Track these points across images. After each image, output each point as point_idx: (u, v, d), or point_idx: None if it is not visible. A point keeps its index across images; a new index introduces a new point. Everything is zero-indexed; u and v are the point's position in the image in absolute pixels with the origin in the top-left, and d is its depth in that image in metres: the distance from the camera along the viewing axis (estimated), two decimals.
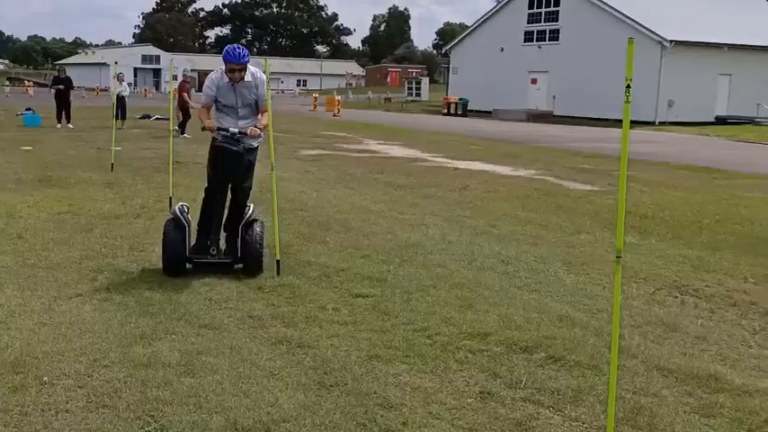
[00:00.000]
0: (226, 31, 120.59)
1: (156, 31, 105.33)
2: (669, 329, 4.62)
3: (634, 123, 31.87)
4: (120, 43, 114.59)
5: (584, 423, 3.30)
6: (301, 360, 3.92)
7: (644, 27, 33.37)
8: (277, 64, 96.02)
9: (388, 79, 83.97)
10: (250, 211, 5.52)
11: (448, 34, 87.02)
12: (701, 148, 20.92)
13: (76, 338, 4.14)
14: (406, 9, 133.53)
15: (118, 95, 18.73)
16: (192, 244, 5.43)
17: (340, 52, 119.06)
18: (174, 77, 21.00)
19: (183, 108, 19.09)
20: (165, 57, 79.70)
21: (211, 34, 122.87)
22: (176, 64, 77.53)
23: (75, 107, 22.50)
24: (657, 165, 15.56)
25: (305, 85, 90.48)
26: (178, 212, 5.37)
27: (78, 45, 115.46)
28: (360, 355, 4.00)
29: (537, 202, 9.51)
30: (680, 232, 7.74)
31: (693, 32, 33.20)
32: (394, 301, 4.99)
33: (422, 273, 5.76)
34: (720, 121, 33.19)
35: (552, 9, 38.70)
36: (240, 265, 5.45)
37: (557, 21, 38.37)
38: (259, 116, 5.51)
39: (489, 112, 37.46)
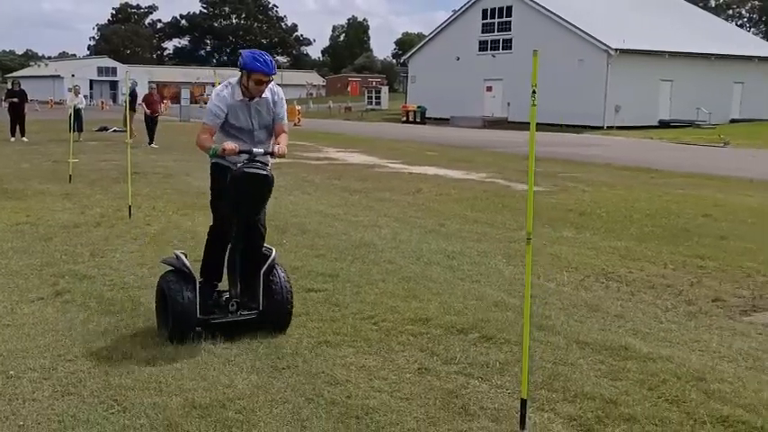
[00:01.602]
0: (184, 42, 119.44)
1: (111, 42, 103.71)
2: (592, 310, 5.12)
3: (584, 128, 33.15)
4: (74, 55, 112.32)
5: (507, 389, 3.73)
6: (256, 348, 4.26)
7: (591, 36, 34.68)
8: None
9: (349, 89, 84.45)
10: (273, 254, 4.54)
11: (406, 44, 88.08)
12: (643, 151, 21.93)
13: (40, 337, 4.39)
14: (365, 19, 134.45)
15: (74, 108, 18.73)
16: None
17: (300, 63, 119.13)
18: (133, 91, 21.13)
19: (152, 118, 19.40)
20: (122, 69, 78.76)
21: (169, 46, 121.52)
22: (134, 76, 76.44)
23: (29, 120, 22.29)
24: (602, 166, 16.35)
25: None
26: (180, 262, 4.37)
27: (30, 57, 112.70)
28: (310, 342, 4.36)
29: (485, 203, 10.02)
30: (612, 226, 8.33)
31: (637, 41, 34.61)
32: (344, 294, 5.37)
33: (372, 269, 6.16)
34: (663, 124, 34.67)
35: (505, 19, 39.83)
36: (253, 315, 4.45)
37: (509, 30, 39.49)
38: (278, 139, 4.42)
39: (447, 120, 38.26)
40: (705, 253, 6.97)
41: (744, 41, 42.55)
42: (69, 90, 19.00)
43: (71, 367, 3.92)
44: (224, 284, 4.54)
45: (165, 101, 21.71)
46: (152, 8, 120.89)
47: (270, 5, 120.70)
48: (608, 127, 33.76)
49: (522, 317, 4.88)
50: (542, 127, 33.76)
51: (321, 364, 4.01)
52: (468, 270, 6.21)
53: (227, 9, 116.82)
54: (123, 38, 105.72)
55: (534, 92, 3.27)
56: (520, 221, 8.61)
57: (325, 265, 6.26)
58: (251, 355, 4.15)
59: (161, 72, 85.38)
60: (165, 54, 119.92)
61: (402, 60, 52.10)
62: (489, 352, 4.23)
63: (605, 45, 34.12)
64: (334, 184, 11.93)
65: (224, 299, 4.41)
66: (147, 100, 20.09)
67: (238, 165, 4.19)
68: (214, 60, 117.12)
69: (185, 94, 37.89)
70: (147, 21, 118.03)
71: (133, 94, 20.41)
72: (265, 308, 4.41)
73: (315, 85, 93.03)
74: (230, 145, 4.19)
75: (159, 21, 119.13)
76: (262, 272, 4.42)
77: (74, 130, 17.20)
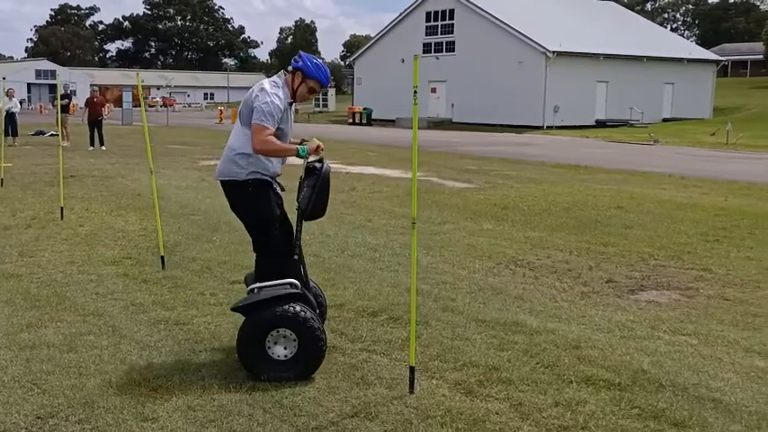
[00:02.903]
0: (128, 44, 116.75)
1: (50, 44, 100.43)
2: (496, 293, 5.58)
3: (524, 128, 34.20)
4: (11, 57, 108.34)
5: (404, 362, 4.10)
6: (176, 335, 4.53)
7: (530, 39, 35.80)
8: (183, 77, 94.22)
9: None
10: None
11: (354, 46, 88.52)
12: (577, 149, 22.89)
13: None
14: (312, 22, 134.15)
15: (7, 111, 18.36)
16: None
17: (248, 65, 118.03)
18: (68, 95, 20.85)
19: (95, 121, 19.25)
20: (63, 72, 76.57)
21: (112, 48, 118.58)
22: (74, 79, 74.29)
23: None
24: (534, 164, 17.06)
25: (212, 98, 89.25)
26: (295, 287, 3.92)
27: None
28: (229, 327, 4.66)
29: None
30: (531, 219, 8.88)
31: (574, 44, 35.94)
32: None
33: None
34: (600, 124, 36.10)
35: (448, 22, 40.67)
36: None
37: (452, 33, 40.34)
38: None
39: (393, 121, 38.79)
40: (609, 240, 7.56)
41: (674, 44, 44.64)
42: (3, 93, 18.60)
43: None
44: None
45: (107, 104, 21.48)
46: (93, 9, 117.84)
47: (216, 7, 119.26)
48: (547, 127, 34.93)
49: (431, 300, 5.33)
50: (484, 127, 34.76)
51: None
52: (389, 261, 6.60)
53: (171, 11, 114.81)
54: (63, 40, 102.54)
55: (416, 92, 3.65)
56: (444, 216, 9.08)
57: (251, 259, 6.52)
58: (171, 341, 4.42)
59: (103, 75, 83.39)
60: (107, 56, 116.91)
61: (348, 62, 52.46)
62: (394, 331, 4.62)
63: (543, 47, 35.28)
64: None
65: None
66: (90, 103, 19.93)
67: (312, 162, 3.99)
68: (159, 63, 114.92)
69: (128, 97, 37.16)
70: (88, 22, 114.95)
71: (68, 97, 20.16)
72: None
73: None
74: (319, 143, 4.00)
75: (101, 22, 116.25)
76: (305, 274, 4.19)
77: (8, 135, 16.89)
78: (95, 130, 19.38)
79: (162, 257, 6.13)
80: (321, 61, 4.08)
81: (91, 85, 34.59)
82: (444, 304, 5.18)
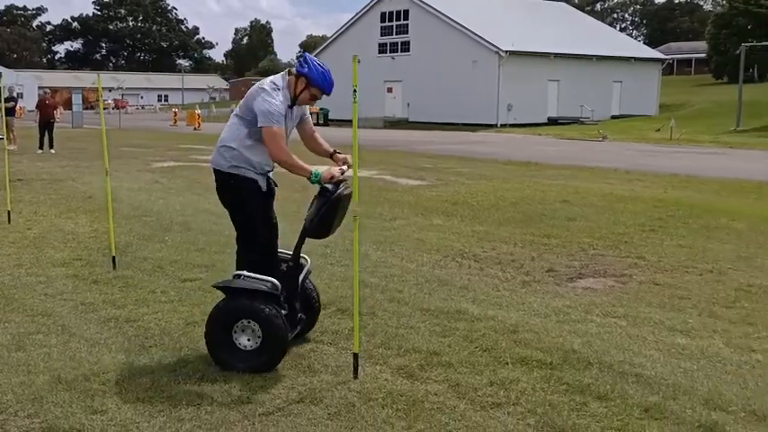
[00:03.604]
0: (77, 45, 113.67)
1: None
2: (442, 284, 5.79)
3: (479, 126, 34.78)
4: None
5: (350, 350, 4.27)
6: (126, 331, 4.59)
7: (483, 39, 36.42)
8: (136, 79, 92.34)
9: None
10: (309, 263, 4.36)
11: (311, 46, 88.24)
12: (529, 146, 23.46)
13: None
14: (268, 22, 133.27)
15: None
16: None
17: (203, 66, 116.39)
18: (14, 97, 20.31)
19: (48, 124, 18.84)
20: (9, 74, 74.07)
21: (61, 49, 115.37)
22: (21, 81, 71.66)
23: None
24: (488, 162, 17.45)
25: (166, 100, 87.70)
26: (271, 285, 3.95)
27: None
28: (179, 323, 4.75)
29: (368, 197, 10.61)
30: (479, 214, 9.16)
31: (525, 44, 36.72)
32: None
33: None
34: (552, 121, 36.98)
35: (402, 22, 41.02)
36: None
37: (407, 33, 40.70)
38: (322, 141, 4.29)
39: (350, 121, 38.86)
40: (552, 232, 7.88)
41: (622, 44, 46.02)
42: None
43: None
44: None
45: (57, 107, 21.04)
46: (40, 10, 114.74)
47: (169, 8, 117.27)
48: (501, 125, 35.60)
49: (378, 292, 5.51)
50: (440, 126, 35.22)
51: (187, 341, 4.41)
52: (339, 256, 6.75)
53: (122, 11, 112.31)
54: (9, 41, 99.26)
55: (355, 91, 3.81)
56: (396, 212, 9.28)
57: (204, 257, 6.61)
58: (121, 338, 4.48)
59: (52, 77, 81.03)
60: (56, 58, 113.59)
61: None
62: (341, 322, 4.78)
63: (496, 47, 35.93)
64: None
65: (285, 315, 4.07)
66: (41, 105, 19.50)
67: (330, 187, 3.93)
68: (110, 64, 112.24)
69: (77, 99, 36.27)
70: (36, 23, 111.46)
71: (14, 100, 19.68)
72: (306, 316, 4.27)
73: (216, 89, 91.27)
74: (336, 171, 3.93)
75: (49, 23, 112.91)
76: (299, 281, 4.20)
77: None
78: (46, 132, 18.96)
79: (113, 258, 6.15)
80: (327, 67, 3.98)
81: (39, 88, 33.64)
82: (391, 296, 5.36)
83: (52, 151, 18.52)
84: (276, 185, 4.21)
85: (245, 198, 4.03)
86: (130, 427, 3.29)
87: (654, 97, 42.81)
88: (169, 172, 14.38)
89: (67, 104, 36.44)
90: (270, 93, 3.87)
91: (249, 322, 3.88)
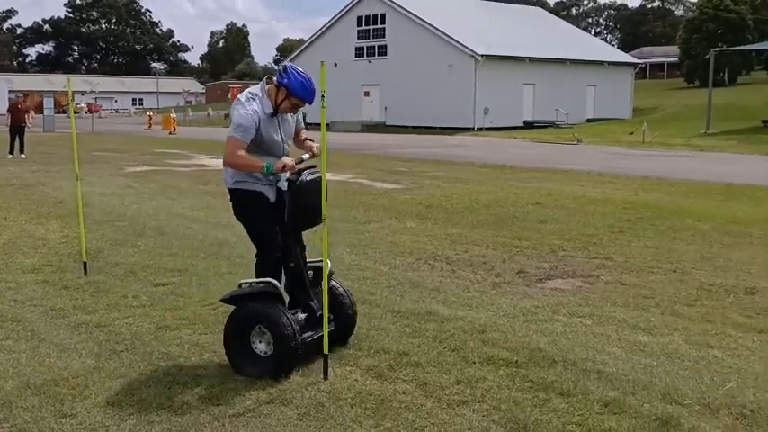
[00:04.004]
0: (49, 48, 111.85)
1: None
2: (413, 286, 5.86)
3: (456, 130, 35.01)
4: None
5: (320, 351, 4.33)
6: (97, 336, 4.59)
7: (459, 43, 36.69)
8: (109, 82, 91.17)
9: (230, 95, 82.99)
10: (330, 265, 4.22)
11: (287, 50, 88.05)
12: (505, 150, 23.71)
13: None
14: (244, 25, 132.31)
15: None
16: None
17: (179, 69, 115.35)
18: None
19: (19, 129, 18.58)
20: None
21: (32, 52, 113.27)
22: None
23: None
24: (463, 165, 17.61)
25: (141, 103, 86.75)
26: (272, 287, 3.99)
27: None
28: (150, 327, 4.75)
29: (343, 201, 10.69)
30: (453, 216, 9.27)
31: (501, 48, 37.09)
32: (190, 285, 5.78)
33: (222, 263, 6.60)
34: (528, 125, 37.37)
35: (379, 26, 41.12)
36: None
37: (384, 37, 40.84)
38: (304, 139, 4.31)
39: (328, 125, 38.86)
40: (523, 235, 8.02)
41: (596, 48, 46.68)
42: None
43: None
44: None
45: (30, 111, 20.76)
46: (11, 12, 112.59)
47: (143, 10, 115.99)
48: (478, 128, 35.86)
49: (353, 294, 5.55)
50: (418, 130, 35.37)
51: (158, 345, 4.42)
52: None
53: (95, 14, 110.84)
54: None
55: (323, 97, 3.87)
56: (370, 215, 9.35)
57: (177, 262, 6.61)
58: (91, 342, 4.48)
59: (23, 80, 79.66)
60: (27, 61, 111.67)
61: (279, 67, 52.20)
62: None
63: (472, 51, 36.21)
64: (200, 189, 12.15)
65: (303, 318, 4.13)
66: (13, 109, 19.24)
67: (291, 176, 3.94)
68: (83, 67, 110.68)
69: (49, 103, 35.76)
70: (6, 26, 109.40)
71: None
72: (334, 318, 4.20)
73: (192, 93, 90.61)
74: (289, 161, 3.94)
75: (19, 26, 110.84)
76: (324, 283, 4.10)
77: None
78: (17, 137, 18.70)
79: (84, 263, 6.12)
80: (307, 76, 4.03)
81: (10, 91, 33.14)
82: (363, 298, 5.41)
83: (23, 156, 18.28)
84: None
85: (252, 211, 4.10)
86: (99, 430, 3.31)
87: (627, 101, 43.48)
88: (142, 176, 14.28)
89: (39, 108, 35.89)
90: (243, 104, 3.96)
91: (260, 327, 3.92)
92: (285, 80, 3.98)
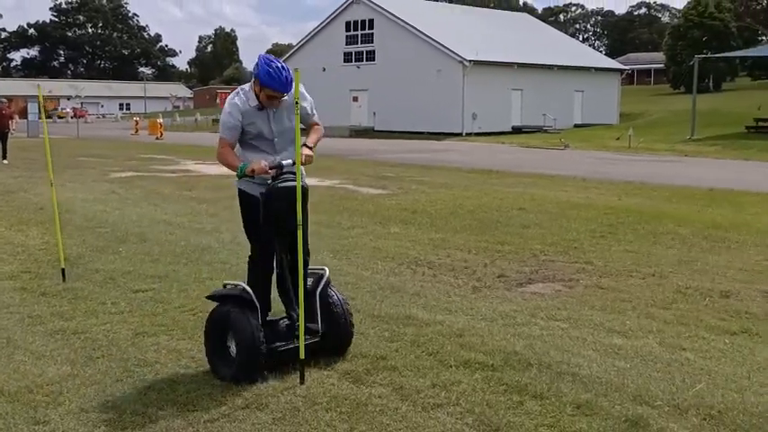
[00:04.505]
0: (34, 52, 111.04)
1: None
2: (394, 291, 5.88)
3: (445, 135, 35.13)
4: None
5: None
6: (73, 343, 4.57)
7: (448, 48, 36.86)
8: (96, 87, 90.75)
9: (218, 101, 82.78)
10: (327, 273, 4.24)
11: (277, 54, 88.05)
12: (493, 155, 23.83)
13: None
14: (232, 30, 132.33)
15: None
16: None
17: (166, 74, 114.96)
18: None
19: (2, 134, 18.47)
20: None
21: (17, 56, 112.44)
22: None
23: None
24: (450, 170, 17.68)
25: (128, 108, 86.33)
26: (243, 291, 3.98)
27: None
28: (128, 334, 4.74)
29: (328, 206, 10.70)
30: (436, 222, 9.31)
31: (489, 53, 37.30)
32: (170, 292, 5.76)
33: (203, 269, 6.59)
34: (516, 130, 37.56)
35: (367, 32, 41.24)
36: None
37: (372, 42, 40.96)
38: (309, 137, 4.11)
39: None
40: (506, 239, 8.06)
41: (583, 54, 47.08)
42: None
43: None
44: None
45: (14, 116, 20.61)
46: None
47: (130, 14, 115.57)
48: (467, 134, 36.02)
49: None
50: (407, 135, 35.46)
51: (135, 351, 4.41)
52: None
53: (81, 18, 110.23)
54: None
55: (297, 103, 3.86)
56: (354, 221, 9.36)
57: (158, 268, 6.59)
58: (67, 349, 4.45)
59: (7, 85, 79.01)
60: (11, 66, 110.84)
61: None
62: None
63: (461, 57, 36.40)
64: (185, 194, 12.11)
65: (283, 326, 4.08)
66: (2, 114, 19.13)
67: (268, 182, 3.89)
68: (69, 72, 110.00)
69: (33, 108, 35.51)
70: None
71: None
72: (325, 331, 4.10)
73: (180, 98, 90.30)
74: (259, 165, 3.84)
75: (4, 30, 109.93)
76: (317, 293, 4.10)
77: None
78: (0, 143, 18.56)
79: (62, 270, 6.08)
80: (280, 66, 3.85)
81: None
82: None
83: (5, 162, 18.15)
84: (304, 192, 4.00)
85: (245, 212, 4.13)
86: None
87: (614, 106, 43.84)
88: (127, 182, 14.22)
89: (23, 113, 35.63)
90: (228, 103, 4.00)
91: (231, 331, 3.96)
92: (255, 70, 3.92)
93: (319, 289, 4.13)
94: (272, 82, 3.85)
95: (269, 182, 3.92)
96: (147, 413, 3.54)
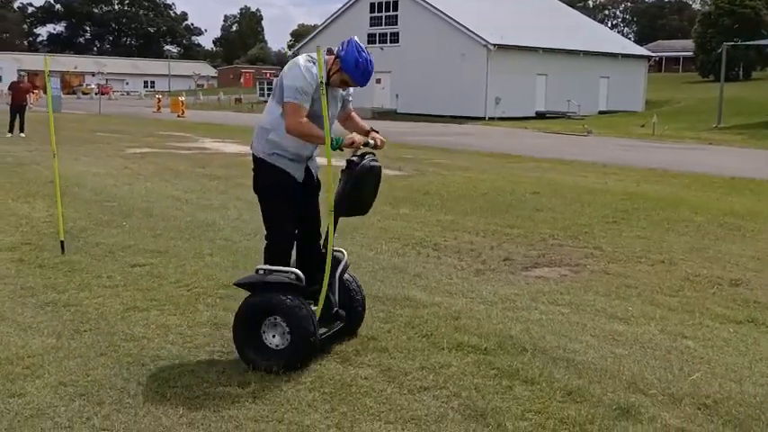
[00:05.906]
0: (60, 28, 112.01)
1: None
2: (397, 271, 5.74)
3: (467, 119, 34.71)
4: None
5: None
6: (62, 316, 4.50)
7: (472, 32, 36.30)
8: (122, 64, 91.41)
9: (242, 80, 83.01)
10: (346, 256, 4.02)
11: (302, 35, 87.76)
12: (514, 139, 23.47)
13: None
14: (258, 10, 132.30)
15: None
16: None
17: (192, 53, 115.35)
18: None
19: (20, 107, 18.67)
20: None
21: (43, 32, 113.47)
22: (2, 64, 70.30)
23: None
24: (470, 153, 17.43)
25: (153, 86, 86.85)
26: (296, 277, 3.72)
27: None
28: (118, 308, 4.67)
29: None
30: (447, 203, 9.12)
31: (514, 38, 36.64)
32: (168, 267, 5.69)
33: (204, 245, 6.51)
34: (540, 115, 36.97)
35: (392, 13, 40.79)
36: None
37: (396, 24, 40.51)
38: (374, 133, 3.94)
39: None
40: (516, 223, 7.86)
41: (610, 40, 46.03)
42: None
43: None
44: None
45: (35, 90, 20.77)
46: None
47: None
48: (489, 118, 35.54)
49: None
50: (429, 118, 35.13)
51: (122, 325, 4.34)
52: None
53: None
54: None
55: (322, 83, 3.61)
56: None
57: (159, 243, 6.53)
58: (55, 322, 4.40)
59: (31, 59, 79.67)
60: (37, 41, 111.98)
61: (293, 52, 52.02)
62: None
63: (485, 40, 35.82)
64: (197, 171, 12.07)
65: (335, 309, 3.91)
66: (14, 88, 19.28)
67: (353, 157, 3.71)
68: (95, 49, 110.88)
69: (56, 83, 35.82)
70: (17, 4, 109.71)
71: None
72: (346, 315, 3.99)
73: (203, 76, 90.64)
74: (358, 138, 3.70)
75: (30, 5, 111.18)
76: (337, 276, 3.90)
77: None
78: (18, 116, 18.73)
79: (62, 242, 6.05)
80: (368, 58, 3.68)
81: (19, 71, 33.25)
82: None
83: (22, 135, 18.30)
84: (320, 186, 3.94)
85: (274, 189, 3.79)
86: (47, 410, 3.22)
87: (640, 93, 42.89)
88: (141, 158, 14.23)
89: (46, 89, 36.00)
90: (300, 67, 3.63)
91: (275, 318, 3.66)
92: (342, 52, 3.68)
93: (339, 272, 3.91)
94: (356, 73, 3.68)
95: (349, 159, 3.71)
96: (126, 388, 3.46)
